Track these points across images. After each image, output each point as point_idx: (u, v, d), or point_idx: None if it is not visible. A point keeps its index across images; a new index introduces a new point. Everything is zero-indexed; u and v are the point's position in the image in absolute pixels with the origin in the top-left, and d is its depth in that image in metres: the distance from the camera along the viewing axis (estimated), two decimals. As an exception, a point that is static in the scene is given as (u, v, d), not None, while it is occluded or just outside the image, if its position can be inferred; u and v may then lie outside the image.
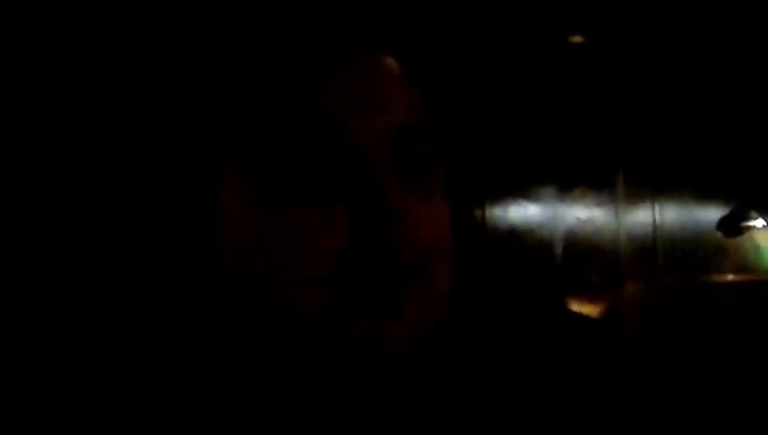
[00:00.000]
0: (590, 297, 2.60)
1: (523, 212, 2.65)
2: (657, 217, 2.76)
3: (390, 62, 0.67)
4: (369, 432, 0.65)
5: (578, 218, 2.69)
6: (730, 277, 2.77)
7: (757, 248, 2.81)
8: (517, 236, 2.62)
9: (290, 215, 0.60)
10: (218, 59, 0.66)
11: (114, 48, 0.98)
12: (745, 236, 2.79)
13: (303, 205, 0.60)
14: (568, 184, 2.70)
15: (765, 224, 2.77)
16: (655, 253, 2.73)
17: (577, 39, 2.72)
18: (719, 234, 2.77)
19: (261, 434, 0.64)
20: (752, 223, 2.77)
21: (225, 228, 0.63)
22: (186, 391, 0.66)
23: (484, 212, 2.57)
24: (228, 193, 0.63)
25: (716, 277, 2.75)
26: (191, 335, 0.67)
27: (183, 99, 0.68)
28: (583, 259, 2.67)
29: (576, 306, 2.49)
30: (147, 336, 0.71)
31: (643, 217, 2.75)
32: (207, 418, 0.65)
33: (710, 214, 2.79)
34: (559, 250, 2.66)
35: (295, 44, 0.64)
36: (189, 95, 0.67)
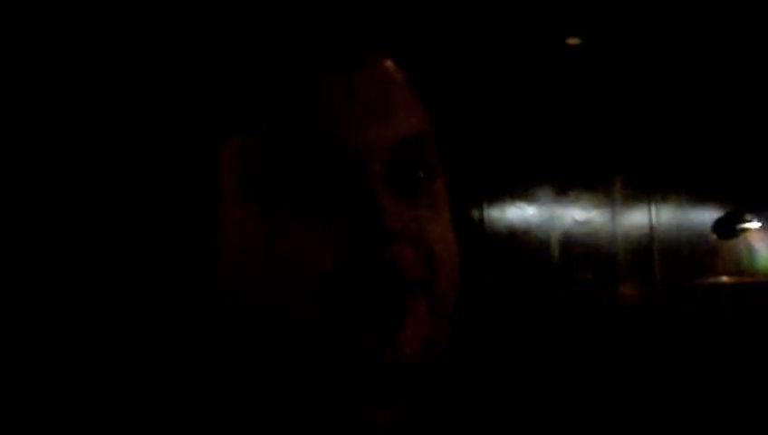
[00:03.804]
0: (587, 298, 2.62)
1: (521, 213, 2.67)
2: (654, 218, 2.78)
3: (393, 67, 0.66)
4: None
5: (575, 220, 2.71)
6: (724, 279, 2.79)
7: (751, 250, 2.84)
8: (515, 238, 2.63)
9: (289, 227, 0.59)
10: (220, 64, 0.66)
11: (112, 52, 0.98)
12: (739, 238, 2.82)
13: (303, 217, 0.59)
14: (565, 186, 2.72)
15: (759, 225, 2.80)
16: (651, 254, 2.75)
17: (574, 41, 2.74)
18: (714, 236, 2.80)
19: None
20: (746, 225, 2.80)
21: (225, 240, 0.62)
22: (182, 395, 0.67)
23: (482, 213, 2.58)
24: (228, 204, 0.62)
25: (711, 279, 2.77)
26: (189, 341, 0.67)
27: (184, 104, 0.67)
28: (580, 260, 2.68)
29: (573, 307, 2.51)
30: (146, 340, 0.70)
31: (640, 218, 2.77)
32: (203, 421, 0.65)
33: (705, 216, 2.81)
34: (556, 251, 2.68)
35: (296, 50, 0.63)
36: (190, 101, 0.67)
